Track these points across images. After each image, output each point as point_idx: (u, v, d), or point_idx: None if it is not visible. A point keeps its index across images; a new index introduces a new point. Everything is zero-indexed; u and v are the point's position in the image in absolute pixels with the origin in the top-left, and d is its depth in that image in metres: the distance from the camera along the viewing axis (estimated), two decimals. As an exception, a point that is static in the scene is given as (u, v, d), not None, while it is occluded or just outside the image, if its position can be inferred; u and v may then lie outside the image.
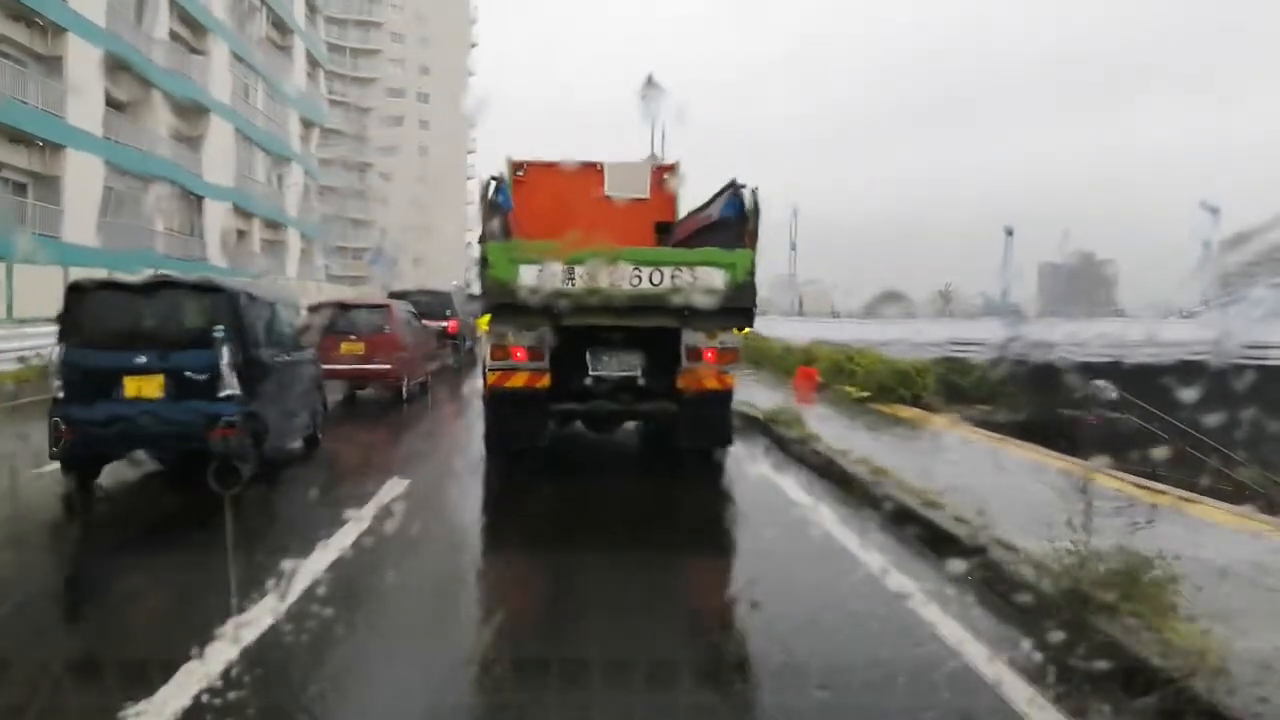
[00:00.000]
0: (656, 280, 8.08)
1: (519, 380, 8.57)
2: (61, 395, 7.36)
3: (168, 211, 34.41)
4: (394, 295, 20.06)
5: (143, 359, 7.31)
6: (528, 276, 8.00)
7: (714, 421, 8.84)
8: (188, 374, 7.31)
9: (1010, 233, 46.46)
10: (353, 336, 13.88)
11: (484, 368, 9.34)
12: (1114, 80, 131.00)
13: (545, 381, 8.55)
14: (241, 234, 41.18)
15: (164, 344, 7.40)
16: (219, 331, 7.33)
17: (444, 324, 20.07)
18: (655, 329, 8.39)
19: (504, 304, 8.15)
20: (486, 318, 8.70)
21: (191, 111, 36.54)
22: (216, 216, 38.41)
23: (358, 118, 79.85)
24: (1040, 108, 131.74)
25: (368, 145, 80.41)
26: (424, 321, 17.35)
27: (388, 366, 14.00)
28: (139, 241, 31.62)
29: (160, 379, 7.30)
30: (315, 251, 51.58)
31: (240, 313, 7.68)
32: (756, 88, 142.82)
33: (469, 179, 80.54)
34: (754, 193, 8.29)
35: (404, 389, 14.54)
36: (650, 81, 27.34)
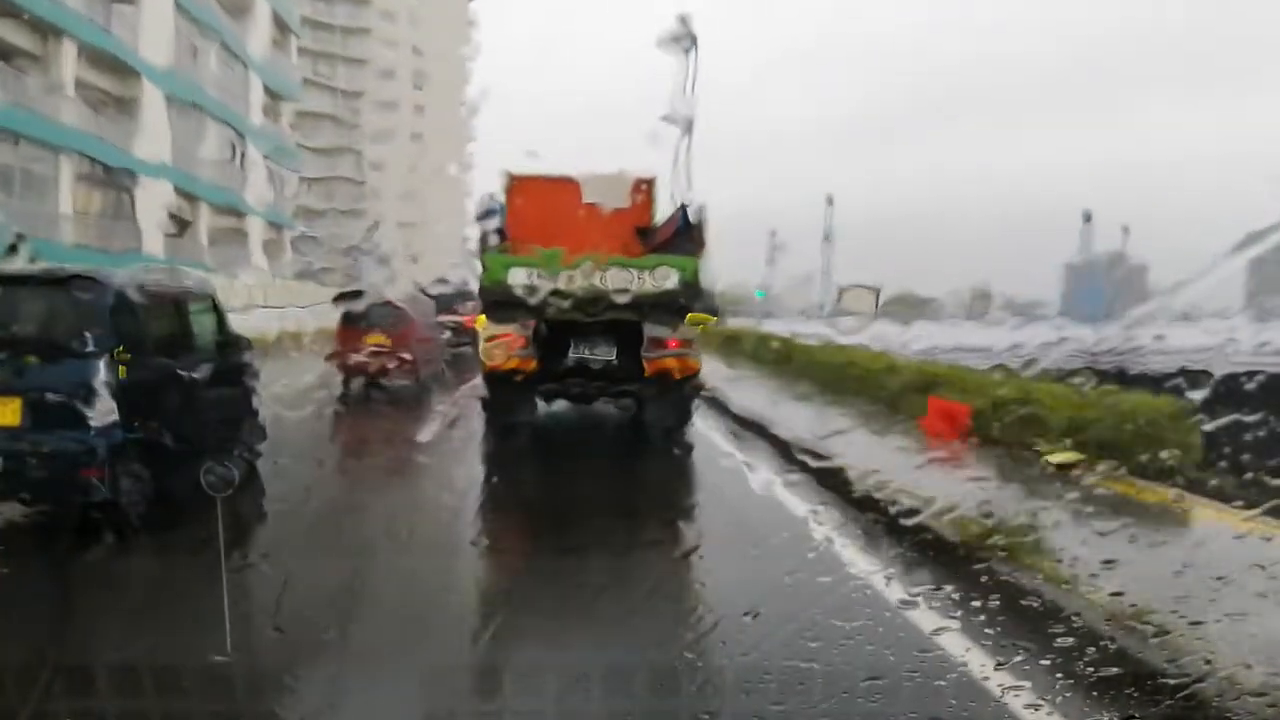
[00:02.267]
0: (623, 281, 9.72)
1: (511, 364, 10.06)
2: None
3: (83, 192, 28.41)
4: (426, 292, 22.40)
5: None
6: (517, 279, 9.61)
7: (675, 401, 10.50)
8: (51, 395, 5.78)
9: (1089, 218, 40.49)
10: (376, 330, 14.99)
11: (482, 355, 10.71)
12: (1116, 78, 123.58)
13: (533, 365, 10.10)
14: (188, 222, 35.14)
15: (20, 355, 5.92)
16: (94, 339, 5.88)
17: (463, 318, 21.32)
18: (625, 322, 9.98)
19: (498, 302, 9.94)
20: (483, 316, 10.61)
21: (118, 70, 30.53)
22: (155, 199, 32.32)
23: (346, 101, 74.25)
24: (1042, 105, 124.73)
25: (358, 131, 74.80)
26: (452, 316, 19.48)
27: (406, 358, 14.99)
28: (42, 227, 25.61)
29: (13, 402, 5.78)
30: (285, 243, 45.40)
31: (124, 314, 6.23)
32: (768, 82, 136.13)
33: (469, 169, 75.13)
34: (699, 209, 10.17)
35: (419, 378, 15.69)
36: (682, 24, 21.18)
